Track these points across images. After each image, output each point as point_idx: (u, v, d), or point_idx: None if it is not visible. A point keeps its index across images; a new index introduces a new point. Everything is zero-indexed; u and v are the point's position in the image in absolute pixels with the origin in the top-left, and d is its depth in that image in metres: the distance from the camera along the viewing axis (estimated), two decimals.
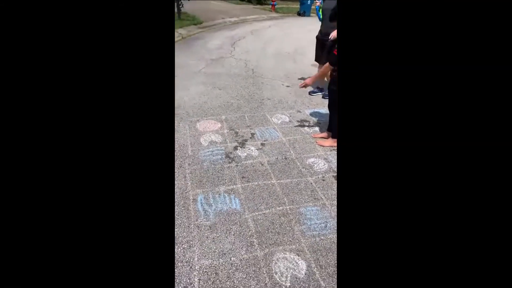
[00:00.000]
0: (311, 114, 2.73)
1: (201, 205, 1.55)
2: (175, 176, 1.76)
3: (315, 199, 1.64)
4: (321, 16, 2.94)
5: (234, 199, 1.60)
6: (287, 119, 2.61)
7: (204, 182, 1.72)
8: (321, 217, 1.51)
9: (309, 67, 4.19)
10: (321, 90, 3.17)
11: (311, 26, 7.30)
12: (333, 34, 2.62)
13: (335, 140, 2.17)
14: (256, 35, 6.31)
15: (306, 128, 2.48)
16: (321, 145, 2.19)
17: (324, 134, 2.28)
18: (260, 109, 2.78)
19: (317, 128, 2.47)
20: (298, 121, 2.60)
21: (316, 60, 3.15)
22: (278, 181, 1.78)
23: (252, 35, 6.27)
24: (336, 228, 1.44)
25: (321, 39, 2.92)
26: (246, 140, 2.23)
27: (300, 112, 2.77)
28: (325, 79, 3.01)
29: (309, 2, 9.53)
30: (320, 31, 2.96)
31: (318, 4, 2.98)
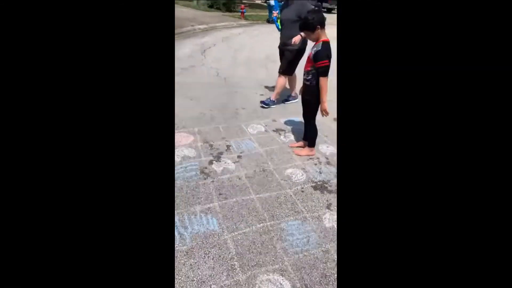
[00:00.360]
0: (286, 123, 2.72)
1: (176, 228, 1.43)
2: None
3: (295, 212, 1.60)
4: (279, 26, 2.87)
5: (212, 219, 1.51)
6: (263, 129, 2.57)
7: (178, 203, 1.60)
8: (303, 231, 1.47)
9: None
10: (294, 98, 3.18)
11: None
12: (295, 39, 2.62)
13: (312, 149, 2.17)
14: (227, 43, 6.27)
15: (282, 137, 2.46)
16: (298, 155, 2.17)
17: (301, 143, 2.27)
18: (234, 120, 2.71)
19: (293, 137, 2.46)
20: (274, 130, 2.57)
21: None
22: (257, 195, 1.71)
23: (222, 42, 6.22)
24: (318, 242, 1.41)
25: (282, 49, 2.89)
26: (221, 153, 2.14)
27: (275, 121, 2.75)
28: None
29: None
30: (280, 40, 2.91)
31: (275, 14, 2.88)
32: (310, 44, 2.13)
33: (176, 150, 2.12)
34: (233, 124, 2.62)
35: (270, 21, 9.71)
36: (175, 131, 2.40)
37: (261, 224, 1.50)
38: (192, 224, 1.46)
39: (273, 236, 1.43)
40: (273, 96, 3.02)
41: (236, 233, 1.44)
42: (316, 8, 2.39)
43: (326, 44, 1.79)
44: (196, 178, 1.83)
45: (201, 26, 7.79)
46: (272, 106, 3.03)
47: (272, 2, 2.79)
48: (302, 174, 1.96)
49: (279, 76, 2.95)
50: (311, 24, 1.76)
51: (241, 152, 2.17)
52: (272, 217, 1.55)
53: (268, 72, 4.20)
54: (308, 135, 2.17)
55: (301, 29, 1.90)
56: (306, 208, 1.64)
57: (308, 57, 1.93)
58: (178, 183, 1.77)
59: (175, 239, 1.37)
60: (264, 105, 3.00)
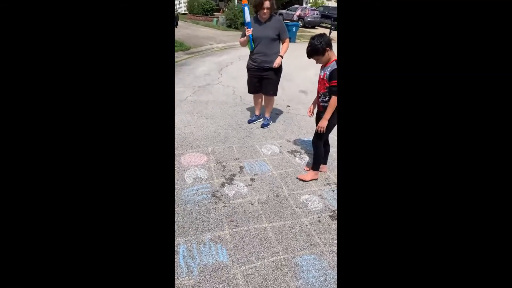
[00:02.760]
0: (301, 144, 2.64)
1: (183, 258, 1.35)
2: None
3: (311, 245, 1.48)
4: (253, 45, 2.58)
5: (221, 249, 1.42)
6: (278, 150, 2.49)
7: (187, 229, 1.53)
8: (319, 268, 1.35)
9: (297, 93, 4.19)
10: (258, 117, 3.03)
11: (297, 52, 7.49)
12: (278, 62, 2.55)
13: (316, 172, 2.06)
14: (244, 61, 6.36)
15: (297, 159, 2.37)
16: (303, 180, 2.04)
17: (306, 168, 2.17)
18: (249, 139, 2.66)
19: (308, 159, 2.36)
20: (288, 151, 2.49)
21: (253, 92, 2.87)
22: (270, 224, 1.61)
23: (239, 60, 6.32)
24: (336, 283, 1.28)
25: (257, 70, 2.66)
26: (234, 175, 2.07)
27: (290, 141, 2.67)
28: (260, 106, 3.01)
29: (294, 29, 9.89)
30: (253, 61, 2.65)
31: (250, 32, 2.52)
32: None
33: (189, 171, 2.08)
34: (247, 144, 2.57)
35: None
36: (189, 151, 2.37)
37: (274, 258, 1.39)
38: (200, 254, 1.38)
39: (287, 272, 1.31)
40: (266, 113, 2.99)
41: (246, 266, 1.33)
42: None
43: None
44: (207, 202, 1.77)
45: (219, 45, 8.02)
46: (259, 121, 3.04)
47: (248, 19, 2.50)
48: (319, 202, 1.84)
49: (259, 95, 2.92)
50: (320, 49, 1.71)
51: (254, 175, 2.09)
52: (286, 249, 1.44)
53: (283, 92, 4.17)
54: (315, 158, 2.05)
55: (311, 56, 1.78)
56: (323, 241, 1.52)
57: (321, 79, 1.85)
58: (188, 207, 1.71)
59: (182, 271, 1.29)
60: (251, 122, 3.01)
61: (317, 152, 2.02)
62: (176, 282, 1.23)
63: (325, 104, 1.87)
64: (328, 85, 1.79)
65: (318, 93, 1.92)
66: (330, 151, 2.21)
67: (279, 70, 2.68)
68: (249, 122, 3.02)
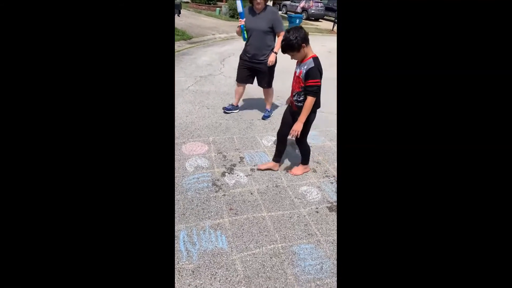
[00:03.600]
0: None
1: (184, 244, 1.39)
2: None
3: (309, 234, 1.51)
4: (246, 36, 2.54)
5: (221, 236, 1.45)
6: None
7: (187, 216, 1.56)
8: (316, 256, 1.38)
9: None
10: (235, 107, 3.00)
11: None
12: (271, 59, 2.50)
13: (306, 166, 2.06)
14: None
15: (297, 151, 2.38)
16: (294, 174, 2.02)
17: (269, 164, 2.08)
18: (249, 130, 2.67)
19: None
20: (289, 143, 2.50)
21: (240, 81, 2.82)
22: (269, 213, 1.64)
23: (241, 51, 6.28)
24: (333, 271, 1.32)
25: (249, 61, 2.62)
26: (234, 165, 2.10)
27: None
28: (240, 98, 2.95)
29: (297, 21, 9.77)
30: (246, 52, 2.62)
31: (242, 23, 2.43)
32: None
33: (190, 160, 2.10)
34: (247, 134, 2.58)
35: None
36: (191, 140, 2.39)
37: (272, 246, 1.42)
38: (200, 240, 1.41)
39: (284, 260, 1.35)
40: (267, 106, 2.97)
41: (245, 253, 1.37)
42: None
43: (317, 60, 1.61)
44: (207, 190, 1.79)
45: (222, 35, 7.93)
46: (235, 111, 2.99)
47: (240, 9, 2.41)
48: (317, 193, 1.87)
49: (266, 89, 2.84)
50: (295, 44, 1.55)
51: (254, 165, 2.11)
52: (284, 238, 1.48)
53: (283, 84, 4.16)
54: (302, 154, 2.03)
55: (285, 51, 1.63)
56: (320, 231, 1.55)
57: (296, 76, 1.70)
58: (189, 194, 1.73)
59: (182, 255, 1.32)
60: (227, 111, 2.95)
61: (304, 147, 1.97)
62: (176, 266, 1.27)
63: (299, 104, 1.73)
64: (303, 85, 1.65)
65: (292, 91, 1.78)
66: (330, 144, 2.23)
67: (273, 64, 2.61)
68: (224, 110, 2.96)
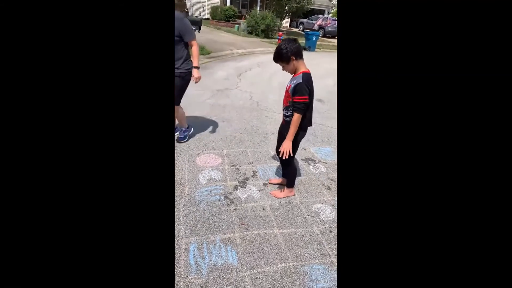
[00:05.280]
0: (316, 152, 2.62)
1: (193, 257, 1.37)
2: None
3: (321, 255, 1.46)
4: None
5: (231, 251, 1.43)
6: None
7: (198, 228, 1.56)
8: (329, 279, 1.33)
9: (313, 101, 4.17)
10: (187, 129, 2.57)
11: (316, 61, 7.50)
12: (196, 76, 2.17)
13: (292, 189, 1.92)
14: (263, 67, 6.44)
15: (311, 167, 2.35)
16: (276, 197, 1.89)
17: (279, 180, 2.04)
18: (263, 144, 2.68)
19: (323, 169, 2.34)
20: (303, 159, 2.48)
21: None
22: (281, 230, 1.61)
23: (258, 67, 6.41)
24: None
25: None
26: (247, 179, 2.09)
27: (305, 149, 2.66)
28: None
29: (314, 38, 9.92)
30: None
31: None
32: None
33: (203, 172, 2.12)
34: (261, 148, 2.58)
35: (306, 48, 9.91)
36: (205, 152, 2.42)
37: (283, 264, 1.38)
38: (210, 254, 1.39)
39: (295, 280, 1.30)
40: (180, 124, 2.50)
41: (255, 270, 1.33)
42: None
43: (307, 76, 1.54)
44: (219, 203, 1.79)
45: (239, 51, 8.16)
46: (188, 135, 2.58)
47: None
48: (331, 212, 1.82)
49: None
50: (284, 55, 1.51)
51: (267, 179, 2.10)
52: (296, 257, 1.43)
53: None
54: (287, 175, 1.90)
55: (275, 60, 1.58)
56: (333, 251, 1.49)
57: (286, 91, 1.63)
58: (201, 207, 1.73)
59: (192, 269, 1.31)
60: (180, 140, 2.51)
61: (290, 168, 1.85)
62: (185, 279, 1.25)
63: (287, 119, 1.63)
64: (291, 99, 1.57)
65: (283, 105, 1.69)
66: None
67: (182, 77, 2.18)
68: (178, 140, 2.52)
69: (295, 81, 1.54)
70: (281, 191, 1.93)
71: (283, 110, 1.68)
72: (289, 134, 1.58)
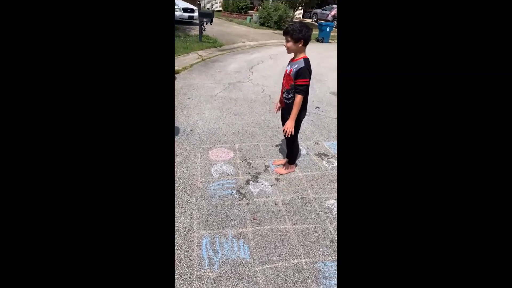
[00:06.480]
0: (330, 147, 2.57)
1: (206, 251, 1.38)
2: (181, 213, 1.62)
3: (334, 251, 1.44)
4: None
5: (243, 246, 1.43)
6: (304, 151, 2.46)
7: (211, 222, 1.57)
8: None
9: (327, 95, 4.09)
10: None
11: (330, 53, 7.31)
12: None
13: (292, 166, 2.14)
14: (275, 60, 6.35)
15: (324, 162, 2.31)
16: (279, 173, 2.09)
17: (283, 161, 2.21)
18: (275, 138, 2.65)
19: (336, 164, 2.29)
20: (316, 154, 2.44)
21: None
22: (293, 226, 1.60)
23: (270, 59, 6.32)
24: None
25: None
26: (259, 173, 2.08)
27: (318, 144, 2.62)
28: None
29: (328, 29, 9.66)
30: None
31: None
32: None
33: (215, 165, 2.12)
34: (273, 143, 2.56)
35: (319, 40, 9.67)
36: (217, 146, 2.42)
37: (295, 260, 1.37)
38: (223, 249, 1.40)
39: (308, 277, 1.29)
40: None
41: (267, 266, 1.33)
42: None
43: (307, 61, 1.70)
44: (231, 197, 1.79)
45: (251, 43, 8.06)
46: None
47: None
48: None
49: None
50: (297, 35, 1.61)
51: (279, 175, 2.08)
52: (308, 253, 1.42)
53: (313, 92, 4.10)
54: (290, 153, 2.09)
55: (286, 34, 1.66)
56: None
57: (287, 75, 1.77)
58: (213, 201, 1.74)
59: (204, 263, 1.32)
60: None
61: (293, 146, 2.02)
62: (198, 273, 1.27)
63: (288, 101, 1.80)
64: (292, 83, 1.72)
65: (282, 89, 1.85)
66: None
67: None
68: None
69: (296, 66, 1.70)
70: (284, 168, 2.14)
71: (284, 93, 1.84)
72: (292, 114, 1.74)
